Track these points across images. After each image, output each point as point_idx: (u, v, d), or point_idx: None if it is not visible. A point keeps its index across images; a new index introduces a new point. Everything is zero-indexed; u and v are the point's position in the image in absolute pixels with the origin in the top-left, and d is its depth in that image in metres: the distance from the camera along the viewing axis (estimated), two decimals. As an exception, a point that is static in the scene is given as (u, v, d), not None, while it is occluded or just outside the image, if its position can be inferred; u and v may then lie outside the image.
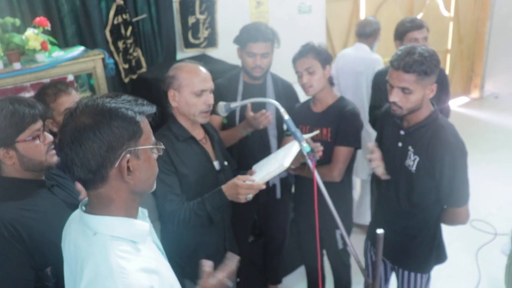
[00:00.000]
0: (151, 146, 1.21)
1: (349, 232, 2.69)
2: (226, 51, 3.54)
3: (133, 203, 1.23)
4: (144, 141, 1.19)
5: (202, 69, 2.01)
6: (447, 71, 7.20)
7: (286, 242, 3.07)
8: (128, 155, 1.14)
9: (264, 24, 2.57)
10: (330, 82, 2.45)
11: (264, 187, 1.87)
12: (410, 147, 2.02)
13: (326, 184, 2.33)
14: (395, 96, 1.93)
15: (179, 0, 3.48)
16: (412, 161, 2.01)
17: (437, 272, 3.29)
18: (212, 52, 3.74)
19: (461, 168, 1.96)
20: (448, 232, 3.79)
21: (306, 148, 1.77)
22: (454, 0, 7.01)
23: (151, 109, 1.21)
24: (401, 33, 2.88)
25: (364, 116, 3.24)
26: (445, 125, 1.98)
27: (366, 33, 3.73)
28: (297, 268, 3.51)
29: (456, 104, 7.56)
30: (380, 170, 2.14)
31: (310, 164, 1.77)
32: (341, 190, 2.50)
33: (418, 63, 1.86)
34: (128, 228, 1.19)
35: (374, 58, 3.68)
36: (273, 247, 3.06)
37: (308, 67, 2.32)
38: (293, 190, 2.89)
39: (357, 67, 3.68)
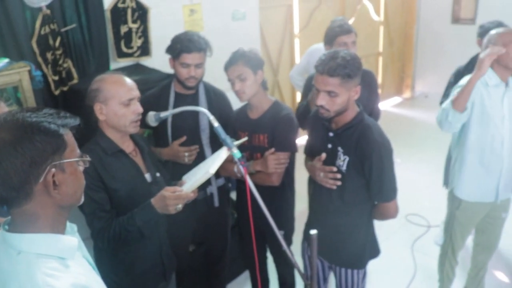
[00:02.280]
0: (77, 159, 1.20)
1: (291, 234, 2.74)
2: (160, 60, 3.52)
3: (60, 218, 1.20)
4: (69, 154, 1.17)
5: (126, 79, 1.97)
6: (379, 73, 7.51)
7: (228, 249, 3.07)
8: (53, 170, 1.12)
9: (196, 34, 2.56)
10: (264, 86, 2.49)
11: (192, 196, 1.88)
12: (339, 148, 2.10)
13: (268, 188, 2.39)
14: (321, 100, 2.00)
15: (110, 9, 3.42)
16: (342, 161, 2.09)
17: (375, 266, 3.42)
18: (146, 61, 3.70)
19: (388, 165, 2.06)
20: (384, 228, 3.96)
21: (237, 154, 1.79)
22: (383, 4, 7.32)
23: (75, 121, 1.20)
24: (330, 38, 2.97)
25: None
26: (371, 125, 2.08)
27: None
28: (241, 274, 3.53)
29: (389, 104, 7.89)
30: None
31: (242, 169, 1.80)
32: (282, 193, 2.55)
33: (341, 67, 1.94)
34: (56, 245, 1.16)
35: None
36: (214, 255, 3.05)
37: (239, 74, 2.35)
38: (234, 196, 2.91)
39: None
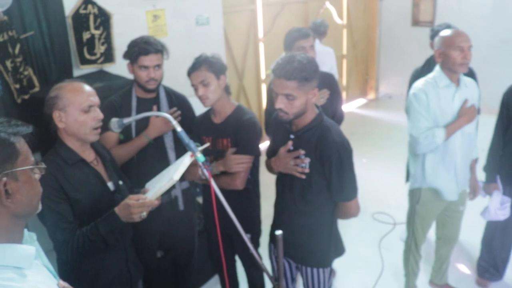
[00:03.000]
0: (31, 167, 1.19)
1: (258, 237, 2.76)
2: (124, 66, 3.46)
3: (15, 228, 1.18)
4: (22, 162, 1.16)
5: (85, 85, 1.95)
6: (344, 76, 7.64)
7: (196, 254, 3.07)
8: (4, 178, 1.11)
9: (152, 37, 2.59)
10: (227, 91, 2.51)
11: (157, 203, 1.87)
12: (300, 150, 2.13)
13: (233, 192, 2.41)
14: (280, 103, 2.03)
15: (71, 15, 3.39)
16: (305, 163, 2.12)
17: (344, 265, 3.49)
18: (110, 68, 3.67)
19: (347, 165, 2.10)
20: (352, 227, 4.04)
21: (201, 158, 1.81)
22: (346, 8, 7.47)
23: (27, 129, 1.19)
24: (289, 43, 3.02)
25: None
26: (330, 126, 2.12)
27: (321, 31, 4.74)
28: (211, 278, 3.53)
29: (354, 105, 8.04)
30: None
31: (206, 173, 1.81)
32: (248, 196, 2.57)
33: (298, 70, 1.97)
34: (12, 254, 1.14)
35: (331, 50, 4.73)
36: (182, 260, 3.04)
37: (202, 79, 2.36)
38: (200, 200, 2.92)
39: (320, 57, 4.06)
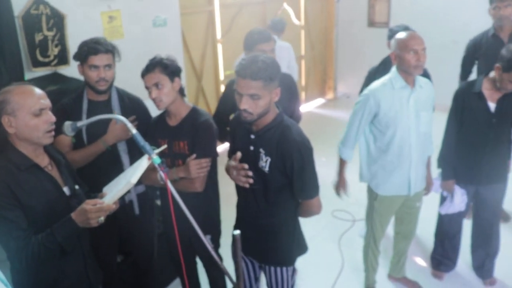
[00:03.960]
0: None
1: (218, 237, 2.76)
2: (79, 68, 3.45)
3: None
4: None
5: (35, 88, 1.89)
6: (302, 76, 7.73)
7: (156, 257, 3.04)
8: None
9: (103, 38, 2.56)
10: (182, 93, 2.49)
11: (114, 207, 1.84)
12: (261, 149, 2.14)
13: (191, 193, 2.40)
14: (245, 104, 2.03)
15: (22, 15, 3.29)
16: (265, 162, 2.14)
17: (305, 263, 3.53)
18: (64, 70, 3.58)
19: (308, 163, 2.13)
20: (312, 225, 4.09)
21: (156, 160, 1.79)
22: (303, 10, 7.56)
23: None
24: (250, 45, 3.01)
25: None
26: (290, 125, 2.14)
27: (278, 28, 5.15)
28: (173, 281, 3.50)
29: (313, 105, 8.15)
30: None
31: (163, 175, 1.80)
32: (206, 198, 2.56)
33: (263, 70, 1.99)
34: None
35: (288, 45, 5.11)
36: (142, 264, 3.01)
37: (156, 82, 2.33)
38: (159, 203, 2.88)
39: (279, 52, 4.41)
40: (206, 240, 2.57)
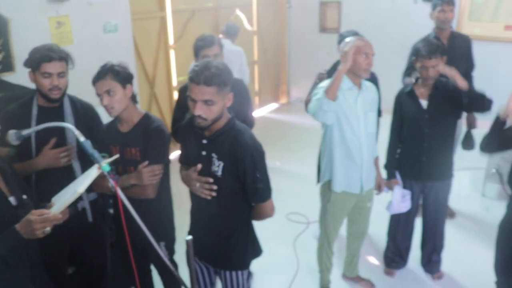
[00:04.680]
0: None
1: (173, 244, 2.75)
2: (26, 75, 3.33)
3: None
4: None
5: None
6: (256, 81, 7.80)
7: (109, 266, 2.98)
8: None
9: (55, 44, 2.51)
10: (134, 100, 2.48)
11: (61, 217, 1.80)
12: (213, 154, 2.16)
13: (144, 200, 2.38)
14: (199, 110, 2.04)
15: (-39, 21, 3.18)
16: (217, 167, 2.15)
17: (261, 267, 3.57)
18: (9, 77, 3.47)
19: (261, 167, 2.16)
20: (267, 228, 4.10)
21: (106, 168, 1.77)
22: (256, 15, 7.63)
23: None
24: (195, 51, 3.02)
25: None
26: (242, 130, 2.17)
27: (232, 33, 5.26)
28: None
29: (267, 110, 8.24)
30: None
31: (112, 183, 1.79)
32: (159, 204, 2.54)
33: (216, 75, 2.01)
34: None
35: (240, 49, 5.18)
36: (95, 275, 2.94)
37: (107, 89, 2.30)
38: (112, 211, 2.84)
39: (228, 57, 4.61)
40: (159, 247, 2.57)
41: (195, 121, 2.09)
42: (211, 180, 2.16)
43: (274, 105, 8.55)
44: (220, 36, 5.23)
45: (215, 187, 2.16)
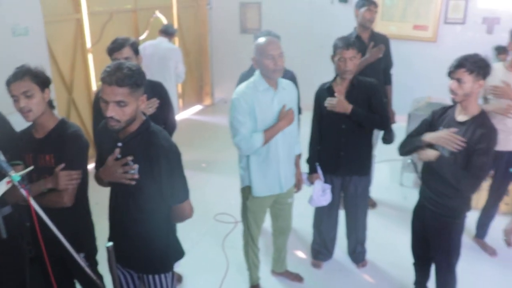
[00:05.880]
0: None
1: (94, 254, 2.67)
2: None
3: None
4: None
5: None
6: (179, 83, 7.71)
7: (28, 285, 2.82)
8: None
9: None
10: (51, 105, 2.39)
11: None
12: (128, 157, 2.12)
13: (61, 211, 2.29)
14: (111, 111, 2.00)
15: None
16: (133, 170, 2.11)
17: (190, 268, 3.57)
18: None
19: (177, 168, 2.16)
20: (195, 230, 4.14)
21: (16, 177, 1.70)
22: (177, 17, 7.57)
23: None
24: (108, 54, 2.94)
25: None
26: (157, 132, 2.15)
27: (170, 32, 5.60)
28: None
29: (191, 112, 8.21)
30: None
31: (24, 193, 1.71)
32: (77, 214, 2.47)
33: (129, 76, 1.98)
34: None
35: (177, 47, 5.78)
36: None
37: (25, 90, 2.21)
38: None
39: (166, 54, 5.38)
40: (79, 258, 2.48)
41: (108, 123, 2.05)
42: (130, 158, 2.09)
43: (198, 107, 8.53)
44: (159, 34, 5.63)
45: (136, 166, 2.09)
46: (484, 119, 2.60)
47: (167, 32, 5.61)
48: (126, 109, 2.01)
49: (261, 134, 2.83)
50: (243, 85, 2.92)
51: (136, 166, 2.09)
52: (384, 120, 3.27)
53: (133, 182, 2.11)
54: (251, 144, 2.82)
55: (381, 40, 4.32)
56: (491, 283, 3.58)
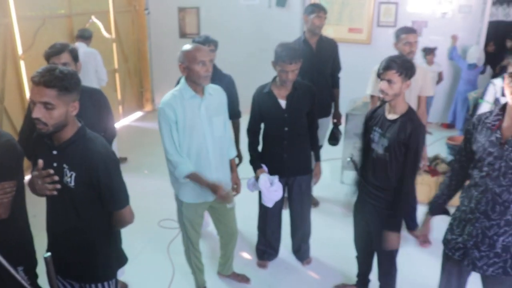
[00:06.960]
0: None
1: (34, 267, 2.56)
2: None
3: None
4: None
5: None
6: (118, 90, 7.59)
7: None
8: None
9: None
10: None
11: None
12: (65, 165, 2.07)
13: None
14: (37, 113, 1.94)
15: None
16: (69, 177, 2.07)
17: (136, 276, 3.52)
18: None
19: (115, 174, 2.13)
20: (139, 237, 4.07)
21: None
22: (114, 23, 7.41)
23: None
24: (46, 59, 2.84)
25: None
26: (94, 138, 2.12)
27: (86, 36, 5.65)
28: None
29: (131, 119, 8.07)
30: None
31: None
32: (14, 226, 2.35)
33: (58, 79, 1.93)
34: None
35: (94, 50, 5.63)
36: None
37: None
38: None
39: (84, 58, 4.93)
40: (17, 272, 2.37)
41: (37, 126, 1.99)
42: (51, 171, 2.03)
43: (139, 113, 8.39)
44: (76, 40, 5.63)
45: (56, 177, 2.03)
46: (412, 116, 2.73)
47: (83, 36, 5.65)
48: (54, 113, 1.96)
49: (190, 170, 2.85)
50: (168, 93, 2.87)
51: (72, 174, 2.04)
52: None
53: (55, 192, 2.05)
54: (177, 171, 2.85)
55: (329, 45, 4.43)
56: (427, 269, 3.75)
